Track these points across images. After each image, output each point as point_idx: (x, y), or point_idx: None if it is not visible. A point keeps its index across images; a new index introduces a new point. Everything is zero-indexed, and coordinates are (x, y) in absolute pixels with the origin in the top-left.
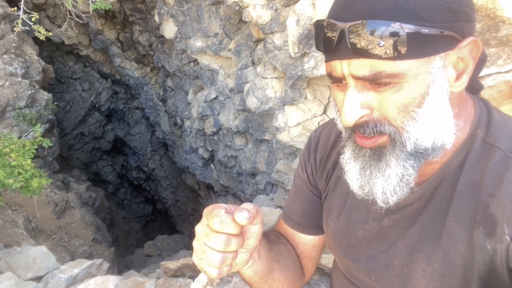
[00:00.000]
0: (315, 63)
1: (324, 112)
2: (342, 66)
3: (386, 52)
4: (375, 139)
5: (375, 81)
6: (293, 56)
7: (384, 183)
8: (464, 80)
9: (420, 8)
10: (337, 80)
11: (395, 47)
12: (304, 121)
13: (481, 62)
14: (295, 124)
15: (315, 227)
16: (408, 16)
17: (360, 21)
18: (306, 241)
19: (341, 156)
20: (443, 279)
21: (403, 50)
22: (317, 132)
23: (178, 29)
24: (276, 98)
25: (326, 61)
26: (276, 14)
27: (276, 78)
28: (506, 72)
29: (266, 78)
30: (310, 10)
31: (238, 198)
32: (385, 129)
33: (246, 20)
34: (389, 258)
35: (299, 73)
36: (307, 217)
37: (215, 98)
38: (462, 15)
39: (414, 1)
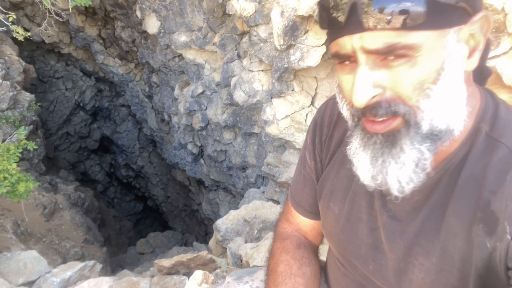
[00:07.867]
0: (301, 55)
1: (312, 103)
2: (353, 41)
3: (402, 22)
4: (388, 122)
5: (389, 54)
6: (279, 48)
7: (399, 171)
8: (476, 58)
9: None
10: (345, 59)
11: (412, 16)
12: (292, 113)
13: (487, 46)
14: (283, 117)
15: None
16: None
17: None
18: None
19: (347, 147)
20: (440, 273)
21: (420, 19)
22: (321, 111)
23: (161, 24)
24: (263, 91)
25: (333, 39)
26: (260, 6)
27: (262, 71)
28: (489, 58)
29: (252, 71)
30: (294, 1)
31: (229, 192)
32: (399, 109)
33: (230, 13)
34: (388, 249)
35: (285, 65)
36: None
37: (202, 93)
38: None
39: None
